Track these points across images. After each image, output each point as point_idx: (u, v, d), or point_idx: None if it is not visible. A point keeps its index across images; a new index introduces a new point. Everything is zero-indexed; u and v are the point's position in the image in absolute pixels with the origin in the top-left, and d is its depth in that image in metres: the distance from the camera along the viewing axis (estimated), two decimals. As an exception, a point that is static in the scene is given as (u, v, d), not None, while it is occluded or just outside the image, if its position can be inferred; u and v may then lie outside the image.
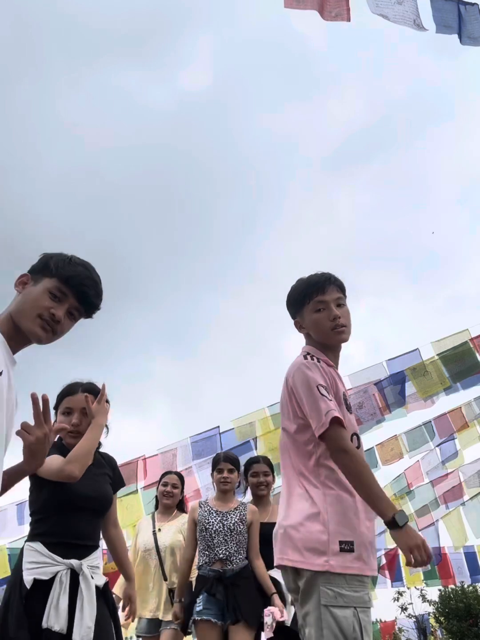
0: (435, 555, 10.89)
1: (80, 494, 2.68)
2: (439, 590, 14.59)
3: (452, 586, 13.86)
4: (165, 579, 4.52)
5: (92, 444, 2.69)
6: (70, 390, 2.88)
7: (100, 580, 2.69)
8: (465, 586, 14.11)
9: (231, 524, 4.15)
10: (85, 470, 2.63)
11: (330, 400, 2.30)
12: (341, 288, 2.63)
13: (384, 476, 9.55)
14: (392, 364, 7.65)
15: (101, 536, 3.00)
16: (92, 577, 2.60)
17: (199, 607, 3.98)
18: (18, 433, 1.77)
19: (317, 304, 2.53)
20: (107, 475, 2.96)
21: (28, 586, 2.45)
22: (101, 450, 3.02)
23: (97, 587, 2.61)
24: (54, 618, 2.39)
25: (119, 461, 3.78)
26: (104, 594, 2.67)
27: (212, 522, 4.16)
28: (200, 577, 4.09)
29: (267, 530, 4.10)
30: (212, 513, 4.22)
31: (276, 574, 4.01)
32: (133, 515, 7.31)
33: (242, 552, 4.14)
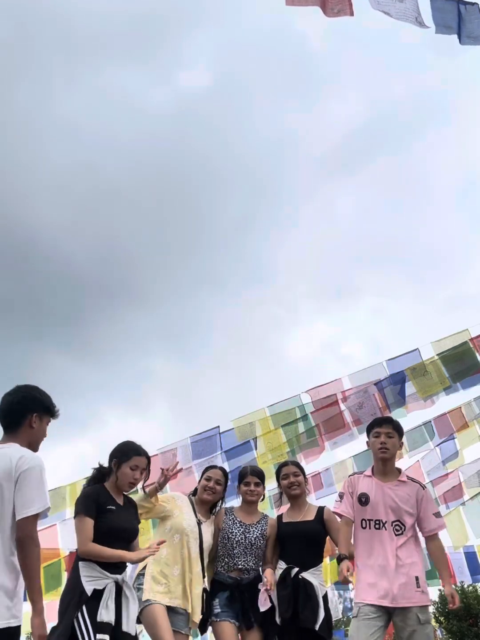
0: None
1: (119, 527, 3.60)
2: (439, 590, 14.56)
3: (453, 586, 13.85)
4: (204, 577, 4.21)
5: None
6: (139, 451, 3.83)
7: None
8: (465, 586, 14.06)
9: (253, 538, 4.26)
10: (120, 510, 3.68)
11: (340, 502, 4.10)
12: (396, 428, 4.10)
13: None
14: (392, 364, 7.63)
15: None
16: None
17: (216, 609, 4.13)
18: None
19: (375, 433, 4.09)
20: (135, 514, 3.88)
21: (88, 594, 3.39)
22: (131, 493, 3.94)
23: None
24: (105, 614, 3.36)
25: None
26: None
27: (235, 532, 4.26)
28: (216, 582, 4.22)
29: (304, 528, 4.26)
30: (236, 523, 4.31)
31: (310, 576, 4.14)
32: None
33: (258, 564, 4.29)
